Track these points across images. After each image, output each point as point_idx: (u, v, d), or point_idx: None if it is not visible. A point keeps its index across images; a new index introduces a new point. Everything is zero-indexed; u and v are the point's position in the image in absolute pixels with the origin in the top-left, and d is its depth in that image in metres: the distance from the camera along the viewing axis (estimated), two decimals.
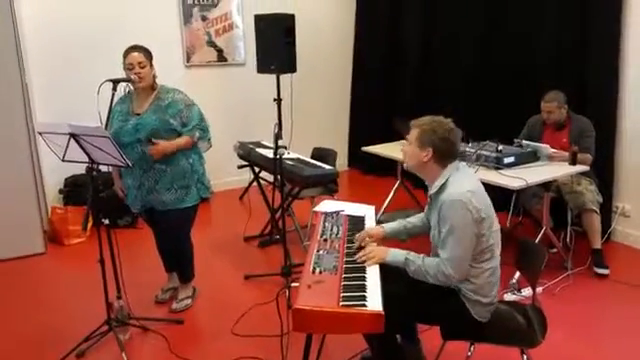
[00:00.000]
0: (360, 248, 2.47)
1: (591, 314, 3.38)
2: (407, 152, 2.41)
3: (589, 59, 4.34)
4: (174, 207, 3.29)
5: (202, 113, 3.32)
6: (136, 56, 3.12)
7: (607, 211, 4.28)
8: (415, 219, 2.68)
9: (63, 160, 2.89)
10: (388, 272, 2.35)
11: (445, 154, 2.32)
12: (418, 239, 2.67)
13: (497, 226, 2.33)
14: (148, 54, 3.19)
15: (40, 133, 2.87)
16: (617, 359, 2.92)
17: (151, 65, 3.19)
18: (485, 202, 2.26)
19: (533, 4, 4.70)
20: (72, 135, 2.71)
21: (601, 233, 3.97)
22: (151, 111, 3.18)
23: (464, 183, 2.25)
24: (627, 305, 3.48)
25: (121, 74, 3.16)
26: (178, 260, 3.59)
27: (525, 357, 2.34)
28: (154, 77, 3.23)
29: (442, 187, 2.30)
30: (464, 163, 2.47)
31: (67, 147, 2.79)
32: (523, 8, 4.80)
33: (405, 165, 2.48)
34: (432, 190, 2.36)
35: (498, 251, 2.34)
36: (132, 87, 3.22)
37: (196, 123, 3.26)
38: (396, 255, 2.36)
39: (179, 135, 3.22)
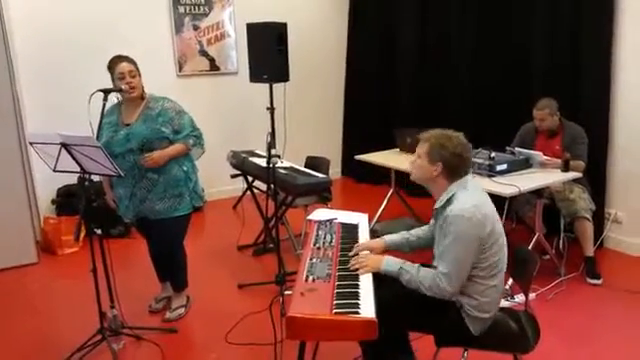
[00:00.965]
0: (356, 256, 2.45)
1: (584, 320, 3.39)
2: (416, 165, 2.38)
3: (581, 66, 4.38)
4: (167, 216, 3.28)
5: (193, 120, 3.33)
6: (127, 66, 3.12)
7: (599, 218, 4.30)
8: (419, 231, 2.65)
9: (55, 170, 2.89)
10: (384, 278, 2.35)
11: (455, 170, 2.28)
12: (419, 251, 2.67)
13: (503, 242, 2.31)
14: (135, 63, 3.19)
15: (31, 143, 2.87)
16: None
17: (140, 74, 3.19)
18: (490, 218, 2.22)
19: (526, 12, 4.74)
20: (63, 145, 2.71)
21: (594, 240, 3.99)
22: (141, 120, 3.18)
23: (469, 199, 2.22)
24: (620, 311, 3.49)
25: (112, 84, 3.15)
26: (171, 269, 3.57)
27: None
28: (142, 87, 3.23)
29: (447, 202, 2.27)
30: (474, 179, 2.42)
31: (58, 157, 2.78)
32: (516, 15, 4.84)
33: (412, 177, 2.44)
34: (437, 204, 2.34)
35: (504, 266, 2.33)
36: (121, 97, 3.22)
37: (190, 131, 3.26)
38: (391, 264, 2.34)
39: (171, 142, 3.22)
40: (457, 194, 2.26)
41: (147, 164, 3.12)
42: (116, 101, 3.27)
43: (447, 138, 2.29)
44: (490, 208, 2.28)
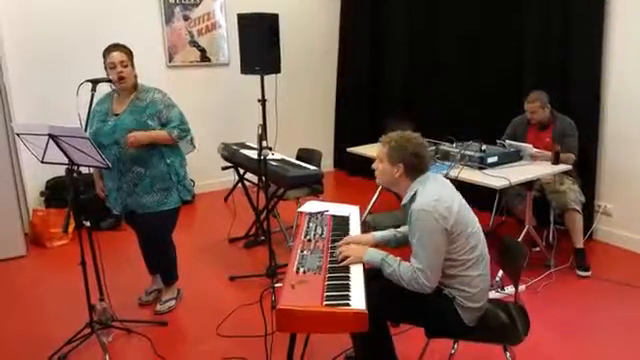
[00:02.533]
0: None
1: (573, 311, 3.41)
2: (379, 169, 2.45)
3: (572, 59, 4.39)
4: (155, 210, 3.25)
5: (183, 115, 3.27)
6: (118, 55, 3.08)
7: (589, 210, 4.33)
8: (406, 228, 2.66)
9: (42, 162, 2.85)
10: (374, 272, 2.35)
11: (415, 168, 2.35)
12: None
13: (476, 228, 2.33)
14: (129, 53, 3.15)
15: (18, 134, 2.83)
16: (599, 355, 2.95)
17: (132, 64, 3.16)
18: (454, 208, 2.24)
19: (518, 4, 4.74)
20: (51, 136, 2.67)
21: (583, 232, 4.01)
22: (129, 112, 3.14)
23: (430, 194, 2.26)
24: (608, 302, 3.51)
25: (101, 74, 3.12)
26: (160, 263, 3.55)
27: (508, 354, 2.36)
28: (135, 77, 3.20)
29: (412, 199, 2.32)
30: (437, 174, 2.49)
31: (46, 148, 2.74)
32: (507, 8, 4.83)
33: (378, 182, 2.51)
34: (403, 201, 2.39)
35: (483, 253, 2.34)
36: (114, 87, 3.18)
37: (176, 124, 3.20)
38: (373, 256, 2.36)
39: None
40: (419, 190, 2.31)
41: (129, 142, 3.06)
42: (110, 90, 3.23)
43: (405, 139, 2.38)
44: (453, 199, 2.30)
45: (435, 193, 2.26)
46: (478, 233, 2.34)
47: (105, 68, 3.12)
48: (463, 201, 2.36)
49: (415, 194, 2.31)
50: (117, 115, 3.15)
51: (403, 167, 2.34)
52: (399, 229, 2.67)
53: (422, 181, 2.35)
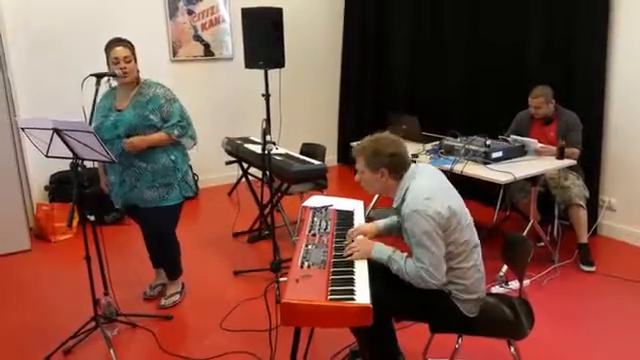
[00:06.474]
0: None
1: (577, 306, 3.41)
2: (364, 181, 2.41)
3: (576, 54, 4.36)
4: (156, 205, 3.25)
5: (184, 110, 3.26)
6: (121, 50, 3.07)
7: (594, 205, 4.32)
8: None
9: (47, 156, 2.85)
10: (377, 269, 2.35)
11: (399, 168, 2.33)
12: None
13: (468, 220, 2.32)
14: (132, 47, 3.14)
15: (23, 129, 2.83)
16: (603, 350, 2.95)
17: (135, 59, 3.15)
18: (446, 202, 2.22)
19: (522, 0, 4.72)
20: (56, 130, 2.67)
21: (587, 227, 4.00)
22: (131, 107, 3.13)
23: (421, 190, 2.24)
24: (612, 297, 3.51)
25: (105, 68, 3.11)
26: (164, 257, 3.56)
27: (512, 348, 2.35)
28: (137, 71, 3.18)
29: (403, 198, 2.29)
30: (425, 164, 2.47)
31: (51, 142, 2.74)
32: (511, 3, 4.81)
33: (370, 192, 2.49)
34: (395, 204, 2.37)
35: (476, 243, 2.34)
36: (116, 82, 3.18)
37: (177, 120, 3.18)
38: (380, 252, 2.35)
39: (159, 131, 3.16)
40: (409, 187, 2.29)
41: (126, 148, 3.08)
42: (109, 88, 3.22)
43: (377, 143, 2.35)
44: (445, 192, 2.29)
45: (426, 190, 2.24)
46: (470, 225, 2.33)
47: (108, 63, 3.11)
48: (456, 192, 2.34)
49: (405, 193, 2.28)
50: (120, 111, 3.15)
51: (387, 171, 2.32)
52: None
53: (411, 176, 2.32)
